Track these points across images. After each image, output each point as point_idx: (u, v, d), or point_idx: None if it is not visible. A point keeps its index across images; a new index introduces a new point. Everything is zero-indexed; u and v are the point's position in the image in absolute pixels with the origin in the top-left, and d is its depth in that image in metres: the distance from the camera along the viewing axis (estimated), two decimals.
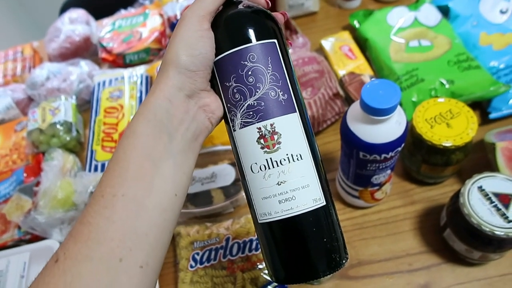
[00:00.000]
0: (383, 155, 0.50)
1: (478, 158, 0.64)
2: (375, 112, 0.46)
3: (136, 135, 0.32)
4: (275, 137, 0.34)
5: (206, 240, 0.59)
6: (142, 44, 0.89)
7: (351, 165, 0.55)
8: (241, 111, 0.35)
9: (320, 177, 0.35)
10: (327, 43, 0.82)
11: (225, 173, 0.66)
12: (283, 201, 0.34)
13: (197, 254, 0.58)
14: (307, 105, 0.69)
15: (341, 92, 0.72)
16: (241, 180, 0.37)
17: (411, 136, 0.60)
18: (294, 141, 0.34)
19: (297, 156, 0.34)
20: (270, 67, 0.34)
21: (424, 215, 0.62)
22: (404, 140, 0.50)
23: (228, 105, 0.35)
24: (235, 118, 0.35)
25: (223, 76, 0.35)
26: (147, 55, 0.90)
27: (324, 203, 0.34)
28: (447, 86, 0.67)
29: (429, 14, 0.77)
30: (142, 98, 0.81)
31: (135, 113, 0.33)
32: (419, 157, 0.60)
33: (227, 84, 0.35)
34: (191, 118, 0.35)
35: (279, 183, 0.34)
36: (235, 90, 0.35)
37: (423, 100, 0.67)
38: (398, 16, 0.78)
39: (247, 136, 0.34)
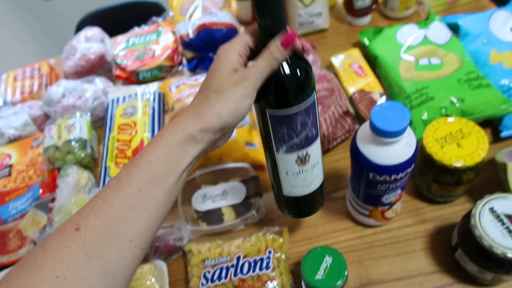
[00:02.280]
0: (393, 176, 0.50)
1: (489, 176, 0.64)
2: (384, 134, 0.47)
3: (170, 149, 0.38)
4: (307, 157, 0.48)
5: (217, 258, 0.60)
6: (155, 62, 0.91)
7: (361, 185, 0.55)
8: (287, 145, 0.46)
9: (322, 161, 0.52)
10: (337, 60, 0.83)
11: (236, 191, 0.67)
12: (304, 187, 0.52)
13: (208, 272, 0.59)
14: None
15: (351, 110, 0.73)
16: (271, 173, 0.52)
17: (421, 155, 0.60)
18: (316, 155, 0.49)
19: (316, 162, 0.50)
20: (311, 116, 0.44)
21: (435, 234, 0.61)
22: (414, 161, 0.50)
23: (276, 139, 0.45)
24: (280, 148, 0.46)
25: (276, 122, 0.44)
26: (160, 72, 0.92)
27: (322, 179, 0.54)
28: (457, 104, 0.67)
29: (438, 32, 0.77)
30: (155, 115, 0.83)
31: (174, 124, 0.39)
32: (429, 176, 0.60)
33: (278, 128, 0.44)
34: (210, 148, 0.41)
35: (304, 179, 0.51)
36: (284, 133, 0.45)
37: (433, 119, 0.67)
38: (408, 34, 0.79)
39: (288, 158, 0.47)
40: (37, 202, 0.71)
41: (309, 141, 0.46)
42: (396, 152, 0.49)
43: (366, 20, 0.92)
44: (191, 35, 0.85)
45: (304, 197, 0.53)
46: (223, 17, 0.87)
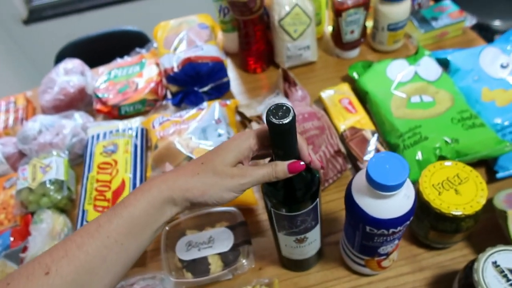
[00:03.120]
0: (391, 230, 0.47)
1: (487, 219, 0.61)
2: (382, 188, 0.44)
3: (152, 205, 0.38)
4: (305, 239, 0.52)
5: None
6: (138, 95, 0.87)
7: (356, 236, 0.52)
8: (287, 231, 0.50)
9: (321, 236, 0.56)
10: (327, 95, 0.80)
11: (223, 238, 0.63)
12: (301, 255, 0.57)
13: None
14: None
15: (343, 149, 0.70)
16: (272, 234, 0.55)
17: (418, 201, 0.57)
18: (314, 236, 0.53)
19: (314, 240, 0.54)
20: (312, 214, 0.48)
21: (434, 283, 0.58)
22: (413, 213, 0.47)
23: (278, 226, 0.50)
24: (282, 231, 0.51)
25: (278, 217, 0.48)
26: (143, 106, 0.88)
27: (319, 247, 0.58)
28: (451, 145, 0.65)
29: (429, 68, 0.76)
30: (137, 153, 0.79)
31: (159, 180, 0.39)
32: (426, 223, 0.57)
33: (280, 220, 0.48)
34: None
35: (301, 252, 0.56)
36: (285, 224, 0.49)
37: (428, 159, 0.65)
38: (398, 70, 0.77)
39: (288, 238, 0.52)
40: (7, 252, 0.65)
41: (307, 230, 0.50)
42: (395, 205, 0.46)
43: (354, 53, 0.91)
44: (175, 69, 0.82)
45: (300, 260, 0.58)
46: (209, 50, 0.84)
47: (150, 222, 0.38)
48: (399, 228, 0.47)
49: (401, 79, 0.76)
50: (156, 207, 0.38)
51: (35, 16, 1.67)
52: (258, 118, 0.79)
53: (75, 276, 0.34)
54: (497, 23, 1.53)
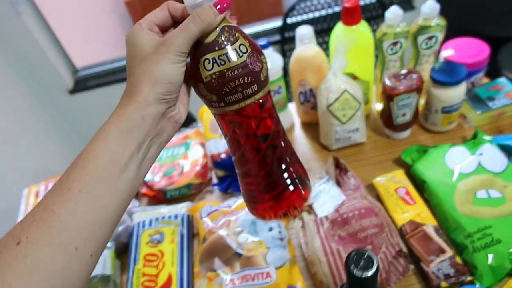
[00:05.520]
0: None
1: None
2: None
3: (108, 141, 0.35)
4: None
5: None
6: (184, 180, 0.86)
7: None
8: None
9: None
10: (380, 184, 0.77)
11: None
12: None
13: None
14: None
15: (404, 249, 0.65)
16: None
17: None
18: None
19: None
20: None
21: None
22: None
23: None
24: None
25: None
26: (189, 190, 0.87)
27: None
28: None
29: (493, 157, 0.72)
30: (184, 243, 0.76)
31: (111, 116, 0.36)
32: None
33: None
34: (158, 131, 0.37)
35: None
36: None
37: (502, 265, 0.59)
38: (458, 159, 0.73)
39: None
40: None
41: None
42: None
43: (406, 134, 0.88)
44: (223, 156, 0.81)
45: None
46: None
47: (113, 159, 0.34)
48: None
49: (463, 170, 0.71)
50: (113, 141, 0.35)
51: (80, 86, 1.74)
52: (309, 207, 0.76)
53: (47, 238, 0.31)
54: None
